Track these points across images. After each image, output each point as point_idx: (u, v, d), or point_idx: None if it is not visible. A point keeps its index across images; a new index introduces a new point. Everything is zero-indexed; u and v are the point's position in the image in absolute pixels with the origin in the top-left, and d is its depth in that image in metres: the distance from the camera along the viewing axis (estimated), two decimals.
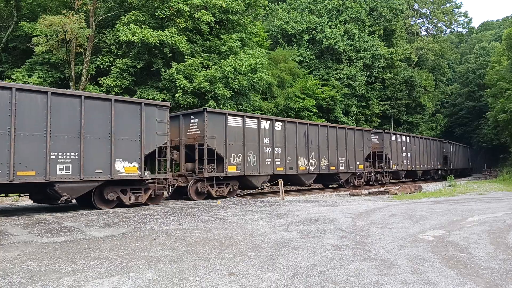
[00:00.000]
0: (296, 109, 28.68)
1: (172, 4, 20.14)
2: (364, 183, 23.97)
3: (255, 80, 22.25)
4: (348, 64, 36.10)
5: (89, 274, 4.96)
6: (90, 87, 20.21)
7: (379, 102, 43.06)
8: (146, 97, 19.43)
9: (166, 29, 20.00)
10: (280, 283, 4.64)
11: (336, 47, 34.55)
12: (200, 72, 20.65)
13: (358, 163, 22.71)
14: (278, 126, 17.82)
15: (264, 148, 16.97)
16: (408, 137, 29.87)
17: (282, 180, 16.75)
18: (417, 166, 30.90)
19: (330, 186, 23.85)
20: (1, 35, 21.24)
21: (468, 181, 32.06)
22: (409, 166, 29.31)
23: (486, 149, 58.85)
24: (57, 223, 8.86)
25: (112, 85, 19.87)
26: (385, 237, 7.29)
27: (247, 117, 16.56)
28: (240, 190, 17.00)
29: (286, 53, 32.30)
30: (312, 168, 19.52)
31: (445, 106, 67.00)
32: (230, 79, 21.15)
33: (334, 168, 20.94)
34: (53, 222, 9.01)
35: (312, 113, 29.57)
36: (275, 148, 17.47)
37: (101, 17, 22.04)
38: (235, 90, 21.75)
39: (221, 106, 20.89)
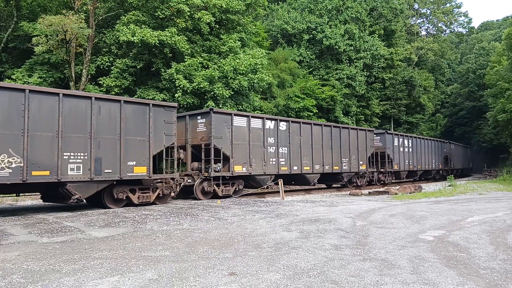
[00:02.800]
0: (296, 109, 28.68)
1: (172, 4, 20.13)
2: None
3: (255, 80, 22.25)
4: (348, 64, 36.10)
5: (89, 274, 4.96)
6: (90, 87, 20.21)
7: (379, 102, 43.06)
8: (146, 97, 19.43)
9: (166, 29, 19.99)
10: (280, 283, 4.64)
11: (336, 47, 34.55)
12: (199, 72, 20.65)
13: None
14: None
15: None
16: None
17: (282, 180, 16.77)
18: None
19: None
20: (1, 35, 21.24)
21: (468, 181, 32.06)
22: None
23: (486, 149, 58.84)
24: (57, 223, 8.87)
25: (112, 85, 19.87)
26: (385, 237, 7.30)
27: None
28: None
29: (286, 53, 32.29)
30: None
31: (445, 106, 66.99)
32: (229, 78, 21.15)
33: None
34: (53, 222, 9.01)
35: (312, 113, 29.57)
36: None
37: (101, 17, 22.04)
38: (235, 90, 21.74)
39: (221, 106, 20.88)
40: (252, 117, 16.70)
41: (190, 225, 8.80)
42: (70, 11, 19.51)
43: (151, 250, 6.31)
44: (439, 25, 68.50)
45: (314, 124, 20.15)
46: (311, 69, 34.77)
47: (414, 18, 63.15)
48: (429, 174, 33.95)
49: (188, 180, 14.86)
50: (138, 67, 20.45)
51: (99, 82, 20.22)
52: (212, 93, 20.64)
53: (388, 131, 27.27)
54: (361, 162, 22.82)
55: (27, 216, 10.13)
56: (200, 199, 14.38)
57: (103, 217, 9.76)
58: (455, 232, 7.90)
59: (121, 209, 11.57)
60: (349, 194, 19.31)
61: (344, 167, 21.44)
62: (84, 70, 20.32)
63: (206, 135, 15.05)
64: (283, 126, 18.05)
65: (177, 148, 14.01)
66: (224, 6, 21.75)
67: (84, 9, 20.91)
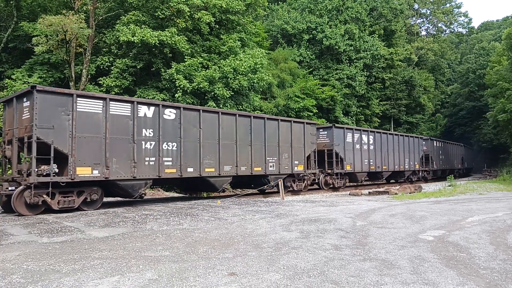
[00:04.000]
0: (296, 109, 28.70)
1: (172, 4, 20.13)
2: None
3: (255, 81, 22.25)
4: (348, 64, 36.12)
5: (89, 274, 4.96)
6: (90, 87, 20.22)
7: (379, 102, 43.08)
8: (146, 97, 19.42)
9: (166, 29, 20.00)
10: (280, 283, 4.64)
11: (336, 47, 34.57)
12: (199, 72, 20.65)
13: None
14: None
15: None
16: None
17: (281, 180, 16.76)
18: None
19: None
20: (1, 35, 21.24)
21: (468, 181, 32.06)
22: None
23: (486, 149, 58.85)
24: (57, 223, 8.86)
25: (112, 85, 19.88)
26: (385, 237, 7.30)
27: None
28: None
29: (286, 53, 32.32)
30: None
31: (445, 106, 67.03)
32: (229, 79, 21.16)
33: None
34: (53, 222, 9.01)
35: (312, 113, 29.59)
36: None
37: (101, 17, 22.04)
38: (235, 90, 21.75)
39: (221, 106, 20.90)
40: (112, 100, 12.04)
41: (190, 225, 8.80)
42: (70, 11, 19.52)
43: (151, 250, 6.30)
44: (439, 25, 68.58)
45: (224, 113, 15.51)
46: (311, 69, 34.79)
47: (414, 18, 63.19)
48: (401, 176, 29.18)
49: (9, 188, 10.79)
50: (138, 67, 20.46)
51: (99, 82, 20.23)
52: (212, 93, 20.65)
53: (337, 125, 22.66)
54: (296, 162, 18.38)
55: (27, 216, 10.12)
56: (22, 215, 10.33)
57: (103, 217, 9.76)
58: (455, 232, 7.90)
59: (121, 209, 11.57)
60: (349, 194, 19.33)
61: (270, 168, 17.04)
62: (84, 70, 20.33)
63: (29, 124, 10.71)
64: (170, 114, 13.40)
65: (2, 143, 11.75)
66: (224, 6, 21.76)
67: (84, 9, 20.92)
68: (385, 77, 43.03)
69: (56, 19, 17.93)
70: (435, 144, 34.92)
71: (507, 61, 37.15)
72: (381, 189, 21.09)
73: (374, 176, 26.30)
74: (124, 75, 20.37)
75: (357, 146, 23.35)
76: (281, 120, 17.99)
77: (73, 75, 20.01)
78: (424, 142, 32.64)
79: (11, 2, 21.21)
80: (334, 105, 32.85)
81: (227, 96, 20.96)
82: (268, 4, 35.75)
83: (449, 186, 22.61)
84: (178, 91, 19.79)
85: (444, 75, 62.19)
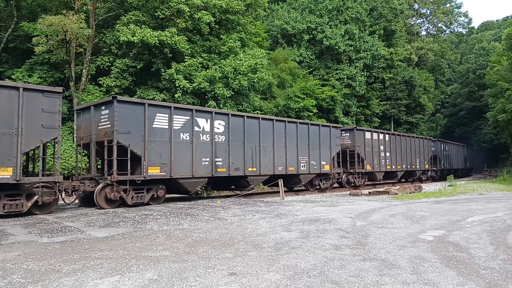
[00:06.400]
0: (296, 109, 28.68)
1: (172, 5, 20.13)
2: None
3: (255, 80, 22.26)
4: (348, 64, 36.10)
5: (89, 274, 4.96)
6: (90, 87, 20.23)
7: (379, 102, 43.07)
8: (146, 97, 19.44)
9: (166, 29, 20.00)
10: (280, 283, 4.64)
11: (336, 47, 34.55)
12: (200, 72, 20.65)
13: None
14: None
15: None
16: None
17: (281, 180, 16.77)
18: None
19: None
20: (1, 35, 21.24)
21: (468, 181, 32.05)
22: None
23: (486, 149, 58.85)
24: (57, 223, 8.87)
25: (112, 85, 19.88)
26: (385, 237, 7.29)
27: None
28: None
29: (286, 53, 32.30)
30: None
31: (445, 106, 67.02)
32: (230, 79, 21.16)
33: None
34: (53, 222, 9.01)
35: (312, 113, 29.58)
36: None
37: (101, 17, 22.04)
38: (235, 90, 21.75)
39: (221, 106, 20.90)
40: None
41: (190, 225, 8.80)
42: (70, 11, 19.51)
43: (151, 250, 6.30)
44: (439, 25, 68.54)
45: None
46: (311, 69, 34.78)
47: (414, 18, 63.16)
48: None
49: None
50: (138, 67, 20.45)
51: (99, 82, 20.23)
52: (212, 93, 20.65)
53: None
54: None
55: (27, 216, 10.13)
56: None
57: (103, 217, 9.76)
58: (455, 232, 7.90)
59: (121, 209, 11.57)
60: (349, 194, 19.32)
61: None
62: (84, 70, 20.33)
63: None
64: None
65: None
66: (224, 6, 21.76)
67: (84, 9, 20.91)
68: (385, 77, 43.02)
69: (56, 19, 17.93)
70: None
71: (507, 61, 37.16)
72: (381, 189, 21.10)
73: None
74: (124, 75, 20.37)
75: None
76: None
77: (73, 75, 20.01)
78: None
79: (11, 2, 21.20)
80: (334, 105, 32.83)
81: (227, 96, 20.97)
82: (268, 4, 35.74)
83: (449, 186, 22.60)
84: (178, 91, 19.79)
85: (444, 75, 62.18)
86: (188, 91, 20.06)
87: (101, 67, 20.98)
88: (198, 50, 22.17)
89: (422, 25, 66.04)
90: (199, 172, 14.13)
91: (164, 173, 12.96)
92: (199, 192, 15.64)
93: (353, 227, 8.46)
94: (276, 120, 17.72)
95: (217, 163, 14.75)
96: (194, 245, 6.69)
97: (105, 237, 7.35)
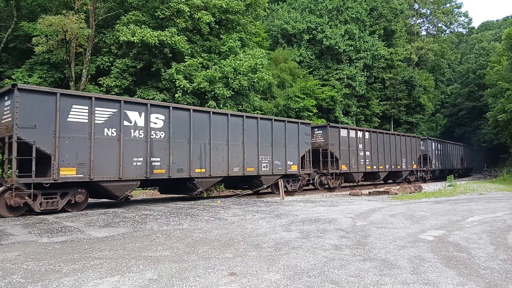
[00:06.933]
0: (296, 109, 28.70)
1: (172, 4, 20.14)
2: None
3: (255, 80, 22.25)
4: (348, 64, 36.12)
5: (89, 274, 4.96)
6: (90, 87, 20.22)
7: (379, 102, 43.09)
8: (146, 97, 19.44)
9: (166, 29, 20.00)
10: (280, 283, 4.64)
11: (336, 47, 34.56)
12: (200, 72, 20.65)
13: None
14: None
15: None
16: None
17: (282, 180, 16.77)
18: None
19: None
20: (1, 35, 21.24)
21: (468, 181, 32.06)
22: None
23: (486, 149, 58.85)
24: (57, 223, 8.86)
25: (112, 85, 19.88)
26: (385, 237, 7.29)
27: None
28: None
29: (286, 53, 32.31)
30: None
31: (445, 106, 67.04)
32: (230, 79, 21.16)
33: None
34: (53, 222, 9.01)
35: (312, 113, 29.59)
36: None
37: (101, 17, 22.04)
38: (235, 90, 21.75)
39: (221, 106, 20.90)
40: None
41: (190, 225, 8.80)
42: (70, 11, 19.52)
43: (151, 250, 6.30)
44: (439, 25, 68.56)
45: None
46: (311, 69, 34.79)
47: (414, 18, 63.19)
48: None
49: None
50: (138, 67, 20.46)
51: (99, 82, 20.23)
52: (212, 93, 20.65)
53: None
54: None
55: (27, 216, 10.12)
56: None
57: (103, 217, 9.76)
58: (455, 232, 7.90)
59: (121, 209, 11.57)
60: (349, 194, 19.33)
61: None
62: (84, 70, 20.33)
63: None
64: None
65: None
66: (224, 6, 21.76)
67: (84, 9, 20.92)
68: (385, 77, 43.04)
69: (56, 19, 17.93)
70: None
71: (507, 61, 37.17)
72: (381, 189, 21.08)
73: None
74: (124, 75, 20.37)
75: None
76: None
77: (73, 75, 20.01)
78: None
79: (11, 2, 21.21)
80: (334, 105, 32.84)
81: (227, 96, 20.97)
82: (268, 4, 35.75)
83: (449, 186, 22.61)
84: (178, 91, 19.79)
85: (444, 75, 62.19)
86: (188, 91, 20.06)
87: (101, 67, 20.98)
88: (198, 50, 22.17)
89: (422, 25, 66.11)
90: (129, 174, 12.12)
91: (82, 175, 11.03)
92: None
93: (353, 227, 8.46)
94: (232, 115, 15.62)
95: (153, 164, 12.75)
96: (194, 245, 6.69)
97: (105, 237, 7.35)
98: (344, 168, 21.72)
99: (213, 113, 14.86)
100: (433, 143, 34.43)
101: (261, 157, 16.56)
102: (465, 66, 59.78)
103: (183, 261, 5.61)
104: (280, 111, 27.66)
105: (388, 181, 29.17)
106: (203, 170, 14.22)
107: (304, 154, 18.99)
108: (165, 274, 4.95)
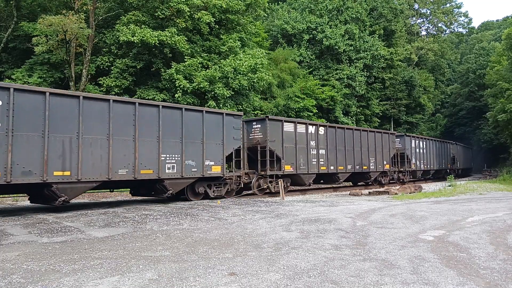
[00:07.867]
0: (296, 109, 28.69)
1: (172, 4, 20.14)
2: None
3: (255, 80, 22.25)
4: (348, 64, 36.12)
5: (89, 274, 4.96)
6: (90, 87, 20.22)
7: (379, 102, 43.09)
8: (146, 97, 19.45)
9: (166, 29, 20.00)
10: (280, 283, 4.64)
11: (336, 47, 34.56)
12: (200, 72, 20.66)
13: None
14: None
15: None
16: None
17: (282, 180, 16.78)
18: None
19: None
20: (1, 35, 21.25)
21: (468, 181, 32.05)
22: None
23: (486, 149, 58.83)
24: (57, 223, 8.86)
25: (112, 85, 19.88)
26: (385, 237, 7.29)
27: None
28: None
29: (286, 53, 32.30)
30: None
31: (445, 106, 67.01)
32: (230, 79, 21.17)
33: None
34: (53, 222, 9.01)
35: (312, 113, 29.59)
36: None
37: (101, 17, 22.05)
38: (235, 90, 21.75)
39: (221, 106, 20.90)
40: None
41: (190, 225, 8.80)
42: (70, 11, 19.53)
43: (151, 250, 6.30)
44: (439, 25, 68.58)
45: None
46: (311, 69, 34.79)
47: (414, 18, 63.19)
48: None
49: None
50: (138, 67, 20.46)
51: (99, 82, 20.23)
52: (212, 93, 20.65)
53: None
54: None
55: (27, 216, 10.12)
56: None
57: (103, 217, 9.76)
58: (455, 232, 7.90)
59: (121, 209, 11.57)
60: (349, 194, 19.31)
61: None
62: (84, 70, 20.33)
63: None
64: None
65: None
66: (224, 6, 21.77)
67: (84, 9, 20.93)
68: (385, 77, 43.03)
69: (56, 19, 17.95)
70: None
71: (507, 61, 37.17)
72: (381, 189, 21.14)
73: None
74: (124, 75, 20.38)
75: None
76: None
77: (73, 75, 20.01)
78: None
79: (11, 2, 21.21)
80: (334, 105, 32.85)
81: (227, 95, 20.97)
82: (268, 4, 35.75)
83: (449, 186, 22.62)
84: (178, 91, 19.79)
85: (444, 75, 62.18)
86: (188, 91, 20.06)
87: (101, 67, 20.98)
88: (198, 50, 22.17)
89: (422, 25, 66.13)
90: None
91: None
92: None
93: (353, 227, 8.46)
94: (116, 101, 12.02)
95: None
96: (194, 245, 6.69)
97: (105, 237, 7.35)
98: (288, 169, 18.21)
99: (85, 98, 11.29)
100: (413, 140, 30.10)
101: (164, 155, 13.07)
102: (465, 66, 59.76)
103: (183, 261, 5.61)
104: (280, 111, 27.67)
105: (358, 184, 25.28)
106: (68, 173, 10.75)
107: (231, 152, 15.59)
108: (165, 274, 4.95)
